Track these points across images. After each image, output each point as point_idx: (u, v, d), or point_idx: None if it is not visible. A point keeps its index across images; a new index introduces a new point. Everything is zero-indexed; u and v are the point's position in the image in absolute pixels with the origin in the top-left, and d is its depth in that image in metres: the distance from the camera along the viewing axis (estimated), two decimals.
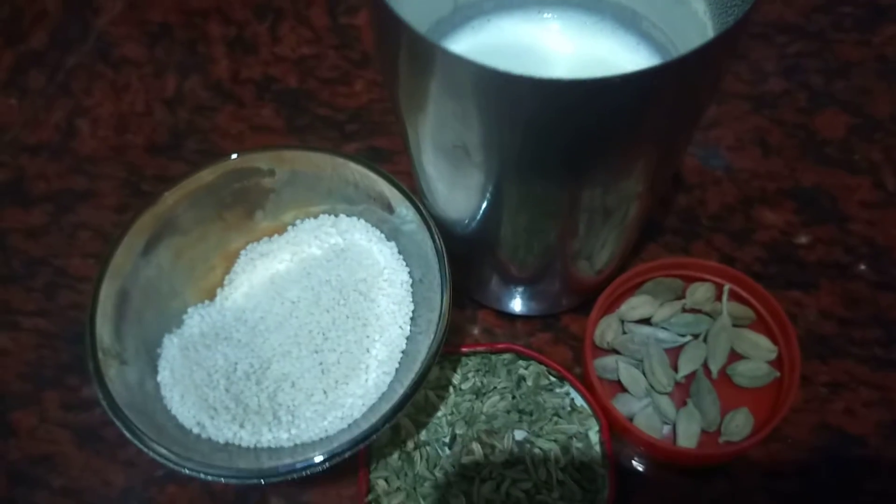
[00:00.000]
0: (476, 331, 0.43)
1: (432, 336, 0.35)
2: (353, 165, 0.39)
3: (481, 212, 0.33)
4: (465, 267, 0.40)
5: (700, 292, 0.42)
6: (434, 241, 0.36)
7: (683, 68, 0.24)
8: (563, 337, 0.43)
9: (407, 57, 0.27)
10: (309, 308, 0.39)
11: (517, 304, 0.43)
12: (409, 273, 0.40)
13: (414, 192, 0.37)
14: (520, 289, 0.41)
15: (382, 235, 0.41)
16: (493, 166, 0.29)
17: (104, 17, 0.54)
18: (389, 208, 0.39)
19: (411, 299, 0.39)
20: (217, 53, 0.52)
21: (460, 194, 0.33)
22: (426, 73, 0.26)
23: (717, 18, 0.32)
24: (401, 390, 0.34)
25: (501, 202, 0.32)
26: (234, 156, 0.39)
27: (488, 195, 0.32)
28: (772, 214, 0.45)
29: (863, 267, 0.43)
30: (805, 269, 0.44)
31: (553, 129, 0.26)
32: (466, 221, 0.35)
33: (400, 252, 0.40)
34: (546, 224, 0.33)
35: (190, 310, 0.40)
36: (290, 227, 0.42)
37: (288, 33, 0.53)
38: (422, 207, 0.37)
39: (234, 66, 0.52)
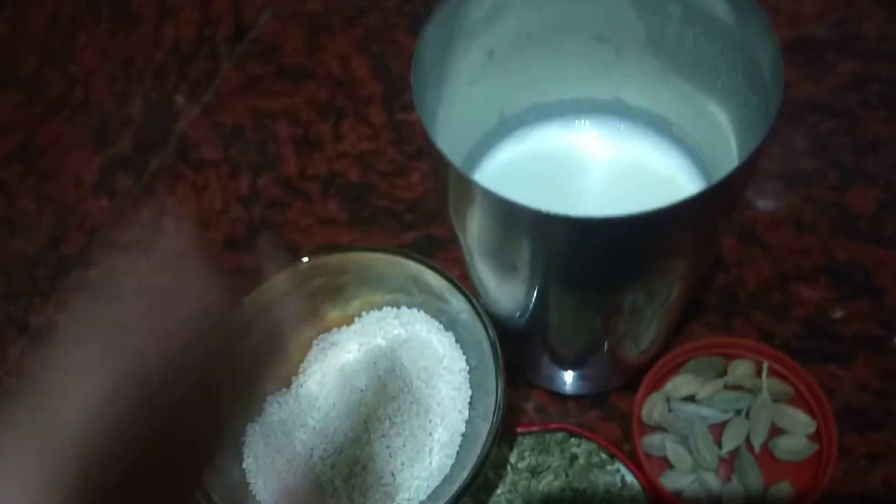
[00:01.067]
0: (530, 408, 0.46)
1: (490, 421, 0.38)
2: (411, 264, 0.43)
3: (529, 309, 0.37)
4: (517, 350, 0.43)
5: (741, 370, 0.45)
6: (487, 333, 0.40)
7: (708, 198, 0.27)
8: (612, 414, 0.46)
9: (453, 186, 0.31)
10: (376, 395, 0.43)
11: (568, 385, 0.46)
12: (466, 360, 0.43)
13: (466, 283, 0.41)
14: (569, 370, 0.45)
15: (441, 326, 0.44)
16: (536, 279, 0.33)
17: (183, 120, 0.60)
18: (445, 301, 0.43)
19: (469, 385, 0.43)
20: (286, 152, 0.57)
21: (508, 293, 0.37)
22: (469, 202, 0.30)
23: (738, 133, 0.35)
24: (462, 472, 0.37)
25: (547, 304, 0.35)
26: (304, 259, 0.43)
27: (534, 298, 0.35)
28: (808, 290, 0.48)
29: None
30: (841, 342, 0.46)
31: (588, 256, 0.30)
32: (516, 314, 0.39)
33: (457, 341, 0.44)
34: (590, 320, 0.37)
35: (269, 398, 0.44)
36: (357, 319, 0.46)
37: (349, 131, 0.58)
38: (474, 301, 0.40)
39: (301, 163, 0.57)
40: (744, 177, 0.29)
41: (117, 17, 0.55)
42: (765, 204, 0.51)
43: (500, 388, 0.39)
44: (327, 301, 0.45)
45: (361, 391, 0.43)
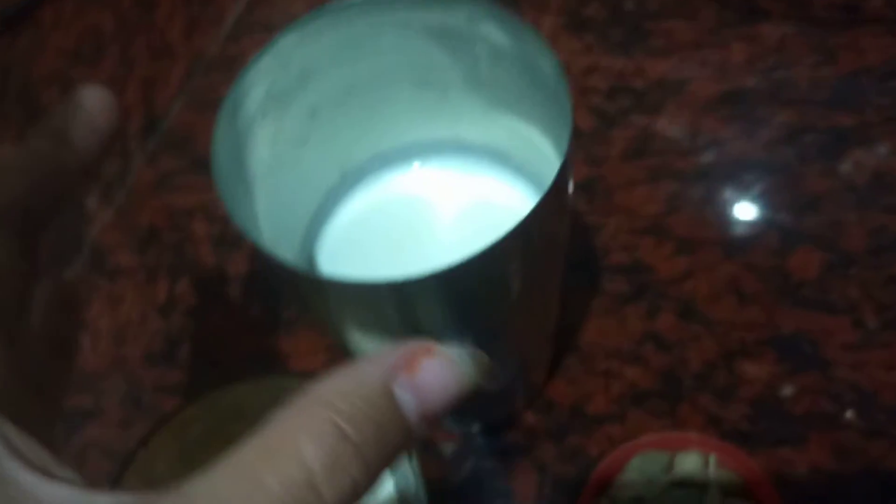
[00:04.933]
0: None
1: None
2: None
3: None
4: None
5: (688, 463, 0.42)
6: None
7: (520, 234, 0.26)
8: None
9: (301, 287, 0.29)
10: None
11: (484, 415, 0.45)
12: (395, 483, 0.41)
13: None
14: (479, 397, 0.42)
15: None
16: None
17: (96, 225, 0.57)
18: None
19: None
20: (203, 252, 0.54)
21: None
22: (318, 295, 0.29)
23: (558, 151, 0.33)
24: None
25: None
26: (214, 392, 0.41)
27: None
28: (754, 367, 0.45)
29: (849, 415, 0.43)
30: (792, 423, 0.44)
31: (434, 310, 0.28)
32: None
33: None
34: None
35: None
36: None
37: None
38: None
39: (220, 263, 0.54)
40: (553, 198, 0.28)
41: (26, 117, 0.52)
42: (702, 275, 0.48)
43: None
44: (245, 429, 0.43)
45: None
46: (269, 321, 0.51)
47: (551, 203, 0.28)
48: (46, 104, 0.61)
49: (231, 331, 0.51)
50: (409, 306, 0.28)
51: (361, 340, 0.33)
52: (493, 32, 0.31)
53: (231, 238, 0.55)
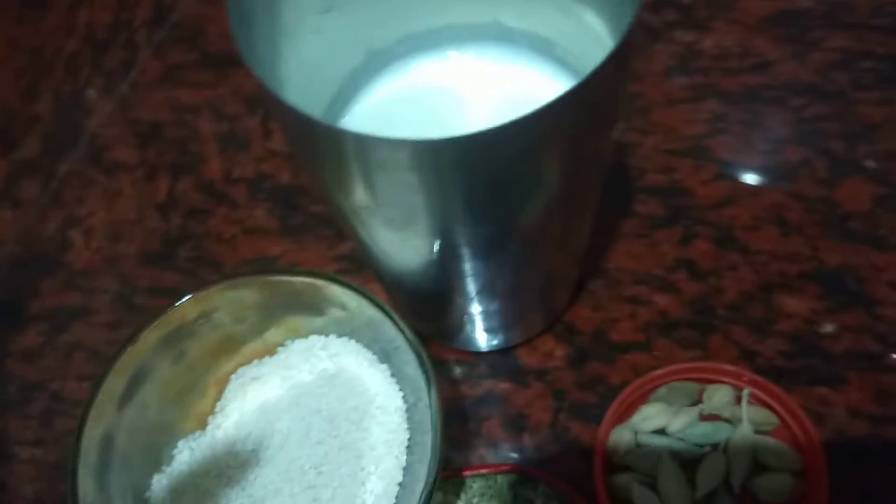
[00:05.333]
0: (480, 447, 0.41)
1: (426, 469, 0.33)
2: (335, 288, 0.37)
3: (444, 262, 0.32)
4: (442, 317, 0.39)
5: (717, 397, 0.39)
6: (421, 365, 0.34)
7: (576, 98, 0.22)
8: (572, 444, 0.40)
9: (318, 143, 0.25)
10: (300, 440, 0.37)
11: (494, 339, 0.42)
12: (404, 397, 0.38)
13: (397, 310, 0.36)
14: (496, 320, 0.40)
15: (375, 357, 0.39)
16: (442, 221, 0.28)
17: (95, 118, 0.53)
18: (377, 329, 0.37)
19: (406, 426, 0.37)
20: (209, 151, 0.51)
21: (414, 253, 0.32)
22: (341, 157, 0.25)
23: (613, 33, 0.30)
24: None
25: (459, 250, 0.30)
26: (215, 286, 0.38)
27: (444, 248, 0.30)
28: (794, 301, 0.42)
29: (895, 357, 0.40)
30: (832, 361, 0.40)
31: (484, 177, 0.25)
32: (430, 276, 0.34)
33: (393, 375, 0.38)
34: (501, 252, 0.32)
35: (180, 443, 0.39)
36: (280, 349, 0.40)
37: (280, 126, 0.51)
38: (403, 326, 0.35)
39: (226, 164, 0.50)
40: (612, 75, 0.24)
41: (26, 1, 0.48)
42: (744, 201, 0.45)
43: (436, 430, 0.33)
44: (245, 329, 0.40)
45: (283, 435, 0.38)
46: (274, 227, 0.48)
47: (601, 85, 0.24)
48: None
49: (233, 234, 0.48)
50: (438, 176, 0.24)
51: (381, 228, 0.29)
52: None
53: (239, 137, 0.51)
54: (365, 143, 0.23)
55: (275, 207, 0.48)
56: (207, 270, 0.47)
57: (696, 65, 0.49)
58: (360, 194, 0.27)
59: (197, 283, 0.46)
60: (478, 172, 0.25)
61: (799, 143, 0.46)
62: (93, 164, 0.52)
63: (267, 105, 0.24)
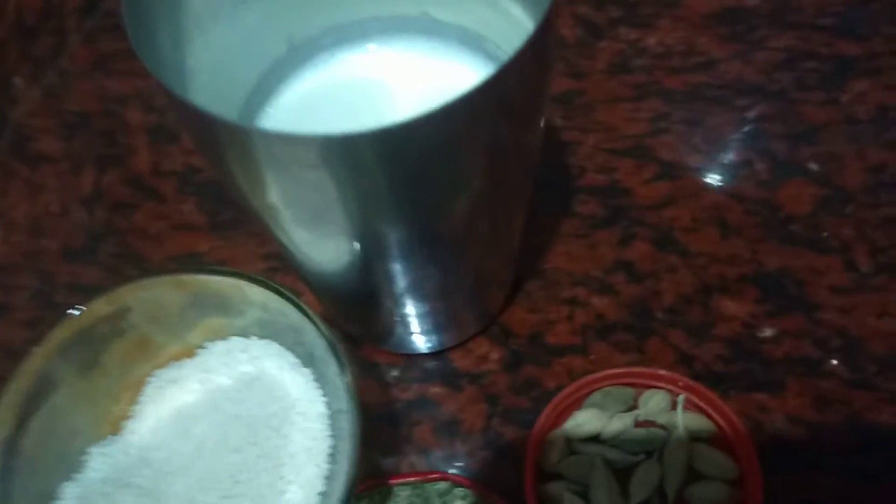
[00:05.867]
0: (411, 453, 0.39)
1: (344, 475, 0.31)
2: (256, 289, 0.35)
3: (368, 262, 0.31)
4: (376, 320, 0.38)
5: (653, 402, 0.38)
6: (341, 370, 0.33)
7: (489, 94, 0.21)
8: (504, 451, 0.39)
9: (228, 143, 0.23)
10: (217, 448, 0.35)
11: (426, 341, 0.40)
12: (327, 403, 0.36)
13: (325, 319, 0.34)
14: (427, 321, 0.38)
15: (298, 361, 0.37)
16: (363, 219, 0.26)
17: (21, 107, 0.51)
18: (300, 332, 0.36)
19: (329, 433, 0.36)
20: (137, 143, 0.49)
21: (335, 255, 0.30)
22: (253, 156, 0.23)
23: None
24: None
25: (386, 248, 0.29)
26: (128, 285, 0.36)
27: (368, 247, 0.29)
28: (733, 305, 0.41)
29: (835, 362, 0.39)
30: (771, 366, 0.40)
31: (406, 168, 0.23)
32: (354, 276, 0.32)
33: (316, 380, 0.36)
34: (431, 248, 0.30)
35: (91, 450, 0.37)
36: (199, 351, 0.38)
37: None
38: (324, 329, 0.33)
39: (154, 157, 0.48)
40: (530, 65, 0.23)
41: None
42: (685, 202, 0.44)
43: (355, 438, 0.32)
44: (162, 330, 0.38)
45: (199, 441, 0.36)
46: (203, 223, 0.46)
47: (521, 74, 0.23)
48: None
49: (160, 230, 0.46)
50: (351, 173, 0.23)
51: (297, 229, 0.28)
52: None
53: (168, 130, 0.49)
54: (267, 140, 0.22)
55: (204, 202, 0.47)
56: (131, 267, 0.45)
57: (640, 63, 0.48)
58: (268, 194, 0.25)
59: (119, 280, 0.44)
60: (391, 168, 0.23)
61: (741, 144, 0.45)
62: (16, 156, 0.49)
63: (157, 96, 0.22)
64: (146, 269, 0.45)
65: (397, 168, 0.23)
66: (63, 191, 0.48)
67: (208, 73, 0.30)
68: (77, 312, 0.35)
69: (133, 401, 0.38)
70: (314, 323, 0.34)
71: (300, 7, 0.33)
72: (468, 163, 0.25)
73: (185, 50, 0.28)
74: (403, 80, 0.34)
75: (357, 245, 0.28)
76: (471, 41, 0.34)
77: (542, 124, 0.28)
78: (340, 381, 0.33)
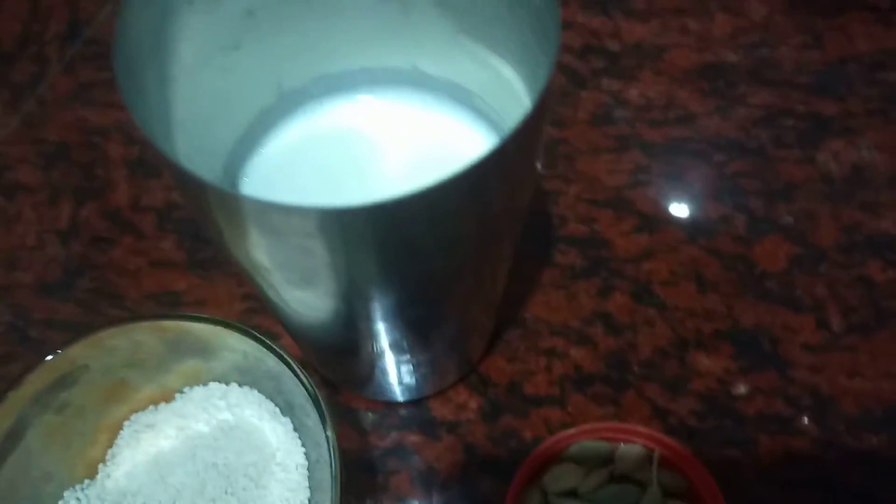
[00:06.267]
0: (388, 501, 0.39)
1: None
2: (236, 336, 0.35)
3: (353, 320, 0.30)
4: (350, 368, 0.38)
5: (630, 457, 0.38)
6: (322, 421, 0.33)
7: (479, 175, 0.21)
8: (481, 502, 0.39)
9: (216, 205, 0.23)
10: (193, 497, 0.35)
11: (406, 390, 0.40)
12: (305, 454, 0.36)
13: (303, 363, 0.34)
14: (410, 371, 0.38)
15: (277, 410, 0.37)
16: (350, 283, 0.26)
17: None
18: (280, 381, 0.35)
19: (307, 484, 0.36)
20: (117, 177, 0.49)
21: (321, 312, 0.30)
22: (240, 220, 0.23)
23: (530, 90, 0.29)
24: None
25: (372, 307, 0.29)
26: (109, 329, 0.35)
27: (353, 308, 0.29)
28: (708, 360, 0.42)
29: (806, 421, 0.40)
30: (743, 423, 0.40)
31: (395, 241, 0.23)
32: (337, 332, 0.32)
33: (296, 429, 0.36)
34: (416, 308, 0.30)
35: (66, 494, 0.36)
36: (177, 396, 0.38)
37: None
38: (305, 379, 0.33)
39: (134, 191, 0.48)
40: (530, 135, 0.23)
41: None
42: (663, 256, 0.44)
43: (335, 493, 0.32)
44: (139, 373, 0.37)
45: (176, 490, 0.36)
46: (182, 260, 0.46)
47: (519, 146, 0.23)
48: None
49: (138, 267, 0.46)
50: (338, 243, 0.23)
51: (282, 286, 0.28)
52: None
53: (149, 164, 0.49)
54: (261, 209, 0.22)
55: (183, 239, 0.46)
56: (107, 304, 0.44)
57: (622, 114, 0.48)
58: (255, 254, 0.25)
59: (95, 318, 0.44)
60: (384, 238, 0.23)
61: (719, 199, 0.46)
62: None
63: (169, 168, 0.22)
64: (123, 307, 0.44)
65: (390, 237, 0.23)
66: (39, 223, 0.47)
67: (196, 121, 0.30)
68: (52, 357, 0.34)
69: (109, 443, 0.38)
70: (294, 372, 0.34)
71: (291, 56, 0.33)
72: (462, 229, 0.25)
73: (173, 97, 0.28)
74: (392, 131, 0.34)
75: (342, 304, 0.28)
76: (459, 95, 0.34)
77: (533, 187, 0.29)
78: (322, 434, 0.33)
